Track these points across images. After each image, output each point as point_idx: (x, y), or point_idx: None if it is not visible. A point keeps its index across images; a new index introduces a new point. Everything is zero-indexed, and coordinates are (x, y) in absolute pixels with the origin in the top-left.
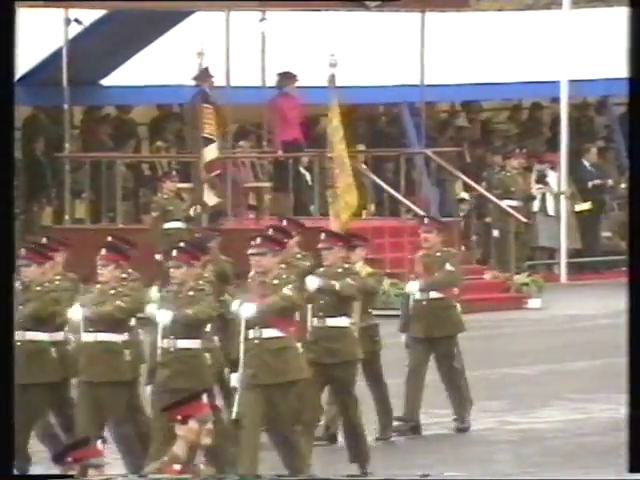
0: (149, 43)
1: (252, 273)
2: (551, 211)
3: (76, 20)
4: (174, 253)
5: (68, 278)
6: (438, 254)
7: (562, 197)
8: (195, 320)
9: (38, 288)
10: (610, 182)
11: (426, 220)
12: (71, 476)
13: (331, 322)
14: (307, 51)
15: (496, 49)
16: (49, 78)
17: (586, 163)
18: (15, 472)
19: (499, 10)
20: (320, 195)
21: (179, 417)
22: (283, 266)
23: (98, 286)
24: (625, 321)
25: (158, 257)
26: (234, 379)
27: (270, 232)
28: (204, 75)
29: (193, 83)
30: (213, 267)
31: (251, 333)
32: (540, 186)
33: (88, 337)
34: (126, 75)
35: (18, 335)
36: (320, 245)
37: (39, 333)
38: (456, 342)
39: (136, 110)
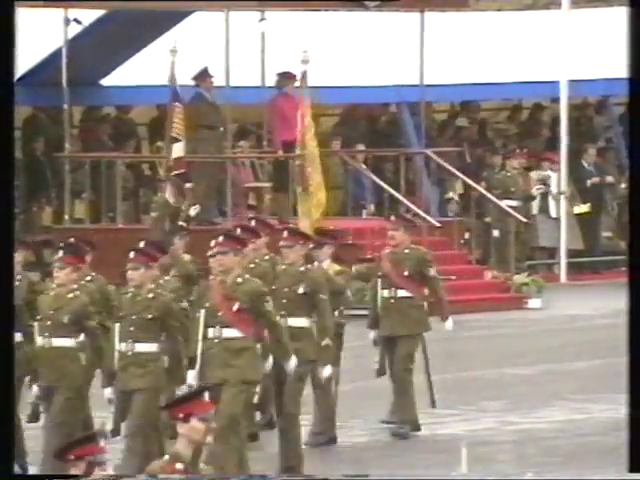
0: (149, 43)
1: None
2: (553, 213)
3: (75, 20)
4: (131, 255)
5: (98, 280)
6: (406, 251)
7: (562, 197)
8: (152, 323)
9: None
10: (609, 179)
11: (393, 217)
12: (71, 476)
13: (292, 321)
14: (307, 51)
15: (495, 49)
16: (49, 78)
17: (585, 163)
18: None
19: (498, 10)
20: None
21: (181, 415)
22: (252, 266)
23: (52, 290)
24: (625, 321)
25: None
26: (190, 377)
27: (238, 231)
28: (203, 75)
29: (192, 83)
30: (177, 268)
31: (210, 332)
32: (540, 186)
33: (43, 341)
34: (126, 75)
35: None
36: (282, 243)
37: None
38: (418, 342)
39: (136, 110)
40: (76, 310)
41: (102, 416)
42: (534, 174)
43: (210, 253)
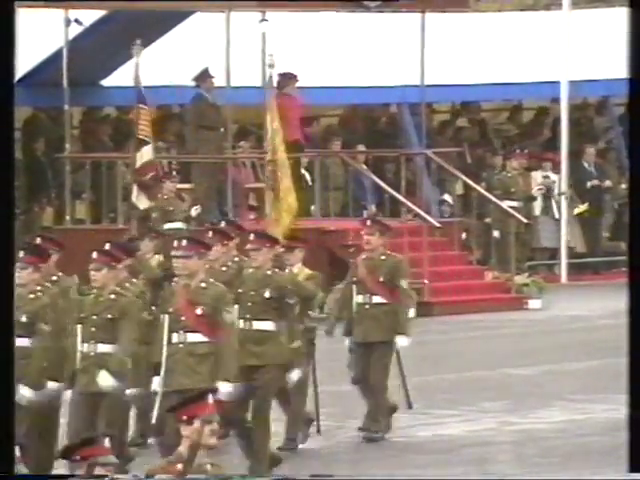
0: (149, 44)
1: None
2: (557, 214)
3: (76, 20)
4: (94, 255)
5: (64, 280)
6: (382, 257)
7: (563, 198)
8: (113, 324)
9: (31, 295)
10: (608, 183)
11: (368, 222)
12: (71, 476)
13: (258, 325)
14: (308, 51)
15: (496, 50)
16: (49, 79)
17: (586, 164)
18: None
19: (499, 11)
20: (321, 195)
21: (185, 417)
22: (224, 269)
23: (17, 290)
24: (625, 322)
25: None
26: (155, 383)
27: (210, 234)
28: (204, 75)
29: (193, 84)
30: (144, 272)
31: (175, 337)
32: (541, 186)
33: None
34: (126, 76)
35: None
36: (248, 246)
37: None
38: (393, 348)
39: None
40: (33, 311)
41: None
42: (536, 174)
43: (173, 254)
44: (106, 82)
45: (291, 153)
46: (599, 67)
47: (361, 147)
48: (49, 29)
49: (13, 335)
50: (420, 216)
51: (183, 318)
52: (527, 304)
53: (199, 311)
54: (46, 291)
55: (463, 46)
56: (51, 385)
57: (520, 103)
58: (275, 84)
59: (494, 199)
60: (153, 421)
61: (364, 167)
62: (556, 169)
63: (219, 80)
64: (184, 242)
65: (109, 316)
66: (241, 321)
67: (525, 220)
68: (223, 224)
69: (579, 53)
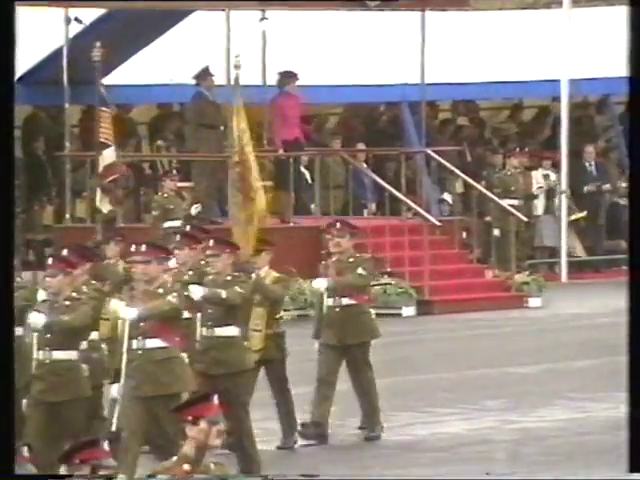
0: (149, 42)
1: (135, 282)
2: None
3: (76, 19)
4: (49, 261)
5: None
6: (351, 259)
7: (563, 196)
8: (70, 330)
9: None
10: (607, 187)
11: (338, 224)
12: (71, 476)
13: (219, 332)
14: (308, 50)
15: (496, 48)
16: (49, 77)
17: (586, 164)
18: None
19: (499, 9)
20: (321, 194)
21: (190, 418)
22: (191, 273)
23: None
24: (625, 320)
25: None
26: (114, 390)
27: (177, 238)
28: (204, 74)
29: (193, 82)
30: (109, 276)
31: (134, 343)
32: (541, 185)
33: None
34: (126, 74)
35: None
36: (208, 252)
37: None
38: (369, 348)
39: (136, 109)
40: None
41: None
42: (536, 173)
43: (132, 259)
44: (106, 81)
45: (291, 151)
46: (599, 65)
47: (361, 145)
48: (49, 28)
49: (13, 334)
50: (420, 214)
51: (142, 324)
52: (527, 302)
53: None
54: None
55: (463, 45)
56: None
57: (520, 102)
58: (278, 83)
59: (494, 198)
60: (113, 428)
61: (364, 165)
62: (556, 168)
63: (219, 78)
64: (143, 247)
65: (64, 321)
66: (203, 328)
67: (525, 219)
68: (188, 228)
69: (579, 51)
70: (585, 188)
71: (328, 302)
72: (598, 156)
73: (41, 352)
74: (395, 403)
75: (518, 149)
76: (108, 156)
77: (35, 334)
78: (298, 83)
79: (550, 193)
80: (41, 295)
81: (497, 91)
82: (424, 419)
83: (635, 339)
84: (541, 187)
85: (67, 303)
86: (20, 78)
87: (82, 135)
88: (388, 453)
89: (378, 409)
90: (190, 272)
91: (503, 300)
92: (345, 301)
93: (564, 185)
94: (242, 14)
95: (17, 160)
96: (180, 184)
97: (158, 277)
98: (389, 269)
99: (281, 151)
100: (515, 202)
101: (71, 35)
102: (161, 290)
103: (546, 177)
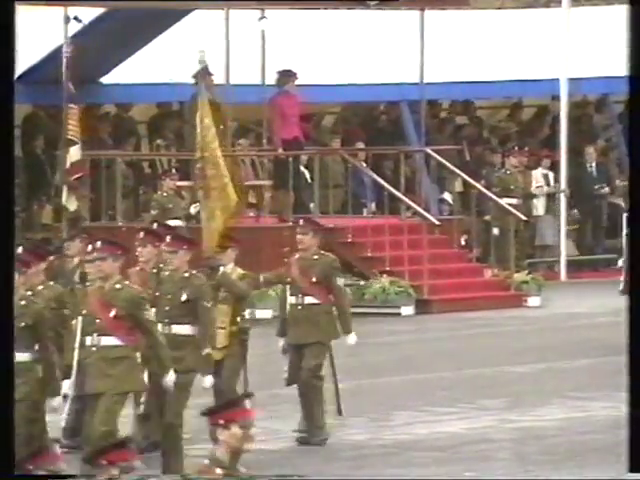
0: (149, 41)
1: (91, 278)
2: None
3: (76, 18)
4: None
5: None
6: (314, 257)
7: (562, 195)
8: (23, 330)
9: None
10: (607, 190)
11: (301, 222)
12: (71, 476)
13: (176, 329)
14: (307, 49)
15: (496, 47)
16: (49, 76)
17: (587, 165)
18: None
19: (499, 8)
20: (320, 193)
21: (221, 421)
22: (155, 270)
23: None
24: (624, 319)
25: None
26: (66, 386)
27: (141, 235)
28: (204, 73)
29: (192, 81)
30: (66, 274)
31: (88, 340)
32: (540, 184)
33: None
34: (126, 73)
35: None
36: (165, 248)
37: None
38: (327, 349)
39: (136, 108)
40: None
41: None
42: (535, 173)
43: (88, 258)
44: (106, 80)
45: (290, 151)
46: (599, 65)
47: (360, 144)
48: (49, 27)
49: (13, 334)
50: (419, 214)
51: (97, 321)
52: (526, 302)
53: (113, 313)
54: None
55: (463, 44)
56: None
57: (520, 100)
58: (277, 83)
59: (493, 197)
60: (63, 424)
61: (364, 165)
62: (556, 167)
63: (218, 78)
64: (98, 244)
65: (21, 324)
66: (159, 325)
67: (524, 218)
68: (155, 226)
69: (579, 51)
70: (585, 190)
71: (291, 300)
72: (598, 156)
73: None
74: (394, 402)
75: (517, 148)
76: (74, 153)
77: None
78: (297, 82)
79: (550, 196)
80: None
81: (496, 90)
82: (423, 418)
83: (634, 338)
84: (540, 186)
85: (22, 303)
86: (20, 77)
87: (82, 134)
88: (387, 452)
89: (321, 415)
90: (154, 270)
91: (502, 299)
92: (308, 299)
93: (563, 184)
94: (241, 13)
95: (17, 159)
96: (179, 183)
97: (113, 274)
98: (388, 268)
99: (280, 150)
100: (514, 201)
101: (70, 34)
102: (118, 286)
103: (545, 177)
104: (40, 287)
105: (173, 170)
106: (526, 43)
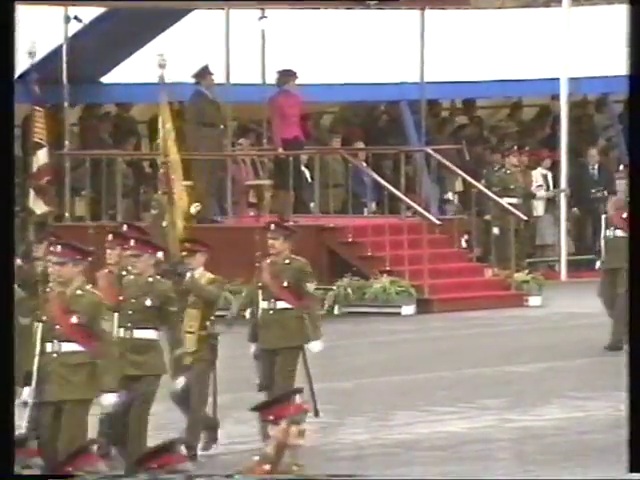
0: (149, 41)
1: (51, 283)
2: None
3: (76, 18)
4: None
5: None
6: (286, 262)
7: (562, 195)
8: None
9: None
10: (605, 194)
11: (272, 227)
12: (71, 476)
13: (138, 334)
14: (307, 49)
15: (496, 47)
16: (49, 76)
17: (589, 167)
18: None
19: (499, 8)
20: (320, 192)
21: (271, 417)
22: (124, 273)
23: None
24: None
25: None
26: (26, 393)
27: (110, 238)
28: (204, 73)
29: (193, 81)
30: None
31: (49, 346)
32: (540, 183)
33: None
34: (126, 73)
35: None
36: (129, 252)
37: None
38: (299, 354)
39: (136, 108)
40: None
41: None
42: (536, 173)
43: (48, 260)
44: (106, 79)
45: (291, 150)
46: (599, 64)
47: (361, 144)
48: (49, 26)
49: (13, 333)
50: (420, 213)
51: (57, 327)
52: (527, 301)
53: (74, 320)
54: None
55: (463, 43)
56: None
57: (520, 100)
58: (277, 82)
59: (494, 196)
60: (23, 430)
61: (364, 164)
62: (556, 167)
63: (219, 77)
64: (58, 247)
65: None
66: (122, 330)
67: (524, 217)
68: (125, 228)
69: (579, 50)
70: (586, 190)
71: (263, 305)
72: (599, 156)
73: None
74: (394, 402)
75: (516, 147)
76: (42, 156)
77: None
78: (297, 82)
79: (550, 197)
80: None
81: (496, 90)
82: (424, 418)
83: (635, 338)
84: (540, 185)
85: None
86: (20, 76)
87: (82, 134)
88: (388, 452)
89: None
90: (123, 273)
91: (503, 299)
92: (280, 304)
93: (563, 184)
94: (241, 13)
95: (16, 158)
96: None
97: (73, 279)
98: (388, 268)
99: (281, 150)
100: (514, 201)
101: (70, 34)
102: (79, 292)
103: (545, 177)
104: None
105: None
106: (526, 43)
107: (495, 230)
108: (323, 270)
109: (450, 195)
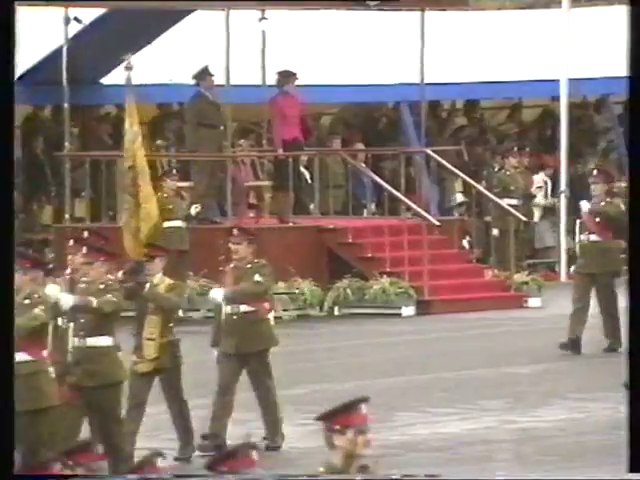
0: (149, 42)
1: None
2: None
3: (76, 19)
4: None
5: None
6: (248, 266)
7: (562, 196)
8: None
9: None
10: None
11: (235, 231)
12: (71, 476)
13: (91, 342)
14: (307, 49)
15: (496, 48)
16: (49, 77)
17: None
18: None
19: (499, 9)
20: (320, 194)
21: (337, 427)
22: (84, 279)
23: None
24: (624, 320)
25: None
26: None
27: (71, 243)
28: (204, 74)
29: (193, 82)
30: None
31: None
32: (540, 185)
33: None
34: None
35: None
36: (81, 260)
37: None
38: (268, 356)
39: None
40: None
41: None
42: (537, 177)
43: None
44: (106, 80)
45: (290, 151)
46: (599, 65)
47: (360, 145)
48: (49, 27)
49: (13, 335)
50: (419, 214)
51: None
52: (526, 302)
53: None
54: None
55: (463, 44)
56: None
57: (520, 101)
58: (277, 83)
59: (494, 197)
60: None
61: (363, 165)
62: (556, 173)
63: (219, 78)
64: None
65: None
66: (75, 338)
67: (524, 218)
68: (85, 234)
69: (579, 51)
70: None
71: (226, 309)
72: (600, 158)
73: None
74: (395, 403)
75: (516, 149)
76: None
77: None
78: (297, 83)
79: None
80: None
81: (496, 91)
82: (423, 419)
83: (634, 339)
84: (540, 187)
85: None
86: (20, 77)
87: (81, 135)
88: (388, 453)
89: (278, 419)
90: (84, 279)
91: (502, 300)
92: (243, 308)
93: (563, 185)
94: (241, 14)
95: (16, 160)
96: (180, 184)
97: (22, 288)
98: (388, 269)
99: (280, 151)
100: (514, 202)
101: (71, 35)
102: (27, 301)
103: (545, 184)
104: None
105: (173, 171)
106: (526, 44)
107: (495, 231)
108: (323, 271)
109: (459, 197)
